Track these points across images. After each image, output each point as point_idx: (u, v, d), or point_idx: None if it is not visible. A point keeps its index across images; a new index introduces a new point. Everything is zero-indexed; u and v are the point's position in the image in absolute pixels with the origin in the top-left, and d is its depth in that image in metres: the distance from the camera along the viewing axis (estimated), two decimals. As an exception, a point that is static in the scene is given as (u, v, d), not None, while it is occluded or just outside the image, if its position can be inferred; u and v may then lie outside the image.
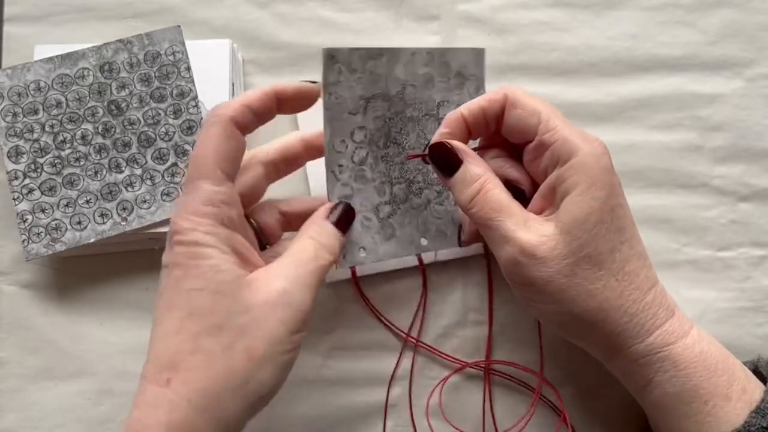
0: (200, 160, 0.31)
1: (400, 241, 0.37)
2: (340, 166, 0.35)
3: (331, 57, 0.34)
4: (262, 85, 0.48)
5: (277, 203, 0.38)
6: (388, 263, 0.42)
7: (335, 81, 0.34)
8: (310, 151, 0.38)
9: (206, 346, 0.28)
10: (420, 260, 0.42)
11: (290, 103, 0.34)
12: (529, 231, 0.32)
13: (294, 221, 0.38)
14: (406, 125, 0.37)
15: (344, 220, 0.35)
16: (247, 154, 0.35)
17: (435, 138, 0.35)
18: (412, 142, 0.37)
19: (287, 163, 0.37)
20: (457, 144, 0.34)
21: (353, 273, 0.42)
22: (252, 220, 0.37)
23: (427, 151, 0.35)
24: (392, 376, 0.43)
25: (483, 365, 0.42)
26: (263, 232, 0.37)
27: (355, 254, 0.36)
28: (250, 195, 0.36)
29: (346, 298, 0.44)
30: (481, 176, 0.33)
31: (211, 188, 0.30)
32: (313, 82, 0.34)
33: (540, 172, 0.35)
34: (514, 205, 0.33)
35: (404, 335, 0.43)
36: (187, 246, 0.29)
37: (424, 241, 0.38)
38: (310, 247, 0.32)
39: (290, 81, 0.34)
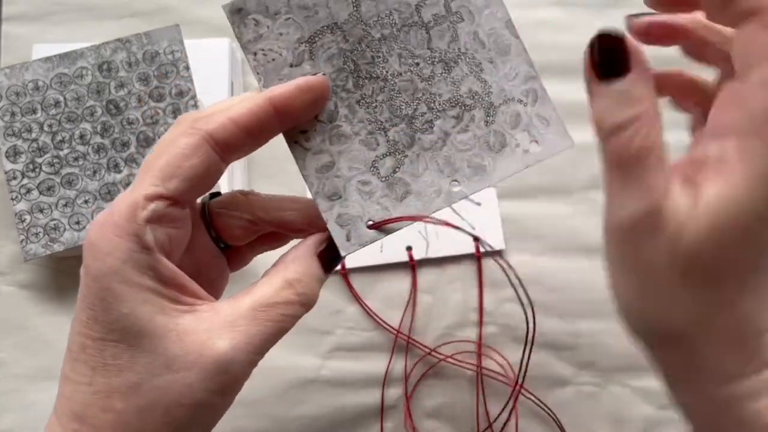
0: (149, 164, 0.24)
1: (420, 197, 0.28)
2: (304, 132, 0.27)
3: (238, 11, 0.26)
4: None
5: (252, 202, 0.29)
6: (380, 256, 0.40)
7: (255, 37, 0.26)
8: (284, 116, 0.26)
9: (118, 407, 0.24)
10: (410, 256, 0.42)
11: (295, 110, 0.26)
12: (684, 195, 0.22)
13: (267, 227, 0.30)
14: (378, 51, 0.27)
15: (332, 258, 0.27)
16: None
17: (636, 24, 0.26)
18: (396, 68, 0.27)
19: (252, 136, 0.26)
20: (634, 47, 0.23)
21: (342, 266, 0.41)
22: (207, 217, 0.29)
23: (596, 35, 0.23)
24: (385, 376, 0.42)
25: (476, 366, 0.42)
26: (220, 236, 0.29)
27: (361, 231, 0.27)
28: (199, 184, 0.26)
29: (346, 299, 0.44)
30: (642, 100, 0.24)
31: (144, 202, 0.24)
32: (315, 74, 0.26)
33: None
34: (667, 156, 0.24)
35: (395, 332, 0.43)
36: (95, 279, 0.23)
37: (456, 186, 0.28)
38: (280, 297, 0.25)
39: (285, 82, 0.26)
